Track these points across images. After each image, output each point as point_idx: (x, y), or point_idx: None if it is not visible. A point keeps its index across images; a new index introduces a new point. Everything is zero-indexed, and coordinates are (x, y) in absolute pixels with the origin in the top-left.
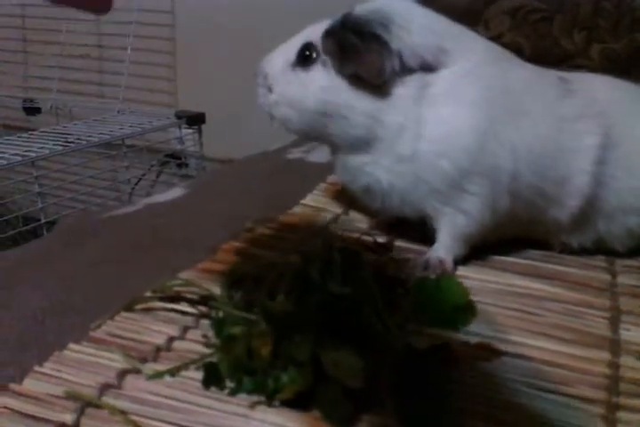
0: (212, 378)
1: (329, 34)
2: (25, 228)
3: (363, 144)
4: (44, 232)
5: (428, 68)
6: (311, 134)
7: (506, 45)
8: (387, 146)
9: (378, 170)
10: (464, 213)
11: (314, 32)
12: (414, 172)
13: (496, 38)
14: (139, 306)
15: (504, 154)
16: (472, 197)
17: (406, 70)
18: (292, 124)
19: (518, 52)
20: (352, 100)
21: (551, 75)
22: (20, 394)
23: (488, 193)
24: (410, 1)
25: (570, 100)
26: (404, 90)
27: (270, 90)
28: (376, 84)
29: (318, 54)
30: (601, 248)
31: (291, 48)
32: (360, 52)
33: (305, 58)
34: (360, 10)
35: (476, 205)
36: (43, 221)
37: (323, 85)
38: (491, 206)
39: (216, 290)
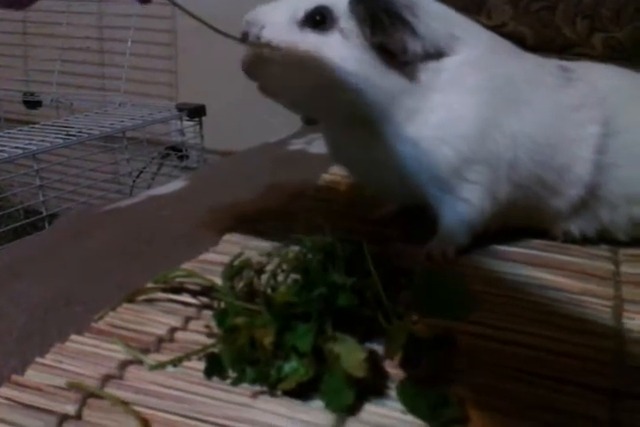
0: (215, 368)
1: (360, 0)
2: (26, 221)
3: (370, 122)
4: (46, 225)
5: (441, 54)
6: (304, 103)
7: (508, 34)
8: (396, 127)
9: (380, 150)
10: (464, 201)
11: None
12: (416, 155)
13: (499, 27)
14: (141, 297)
15: (504, 142)
16: (472, 186)
17: (426, 55)
18: (285, 87)
19: (521, 41)
20: (371, 74)
21: (552, 64)
22: (21, 385)
23: (488, 181)
24: None
25: (571, 88)
26: (421, 74)
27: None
28: (401, 61)
29: (335, 21)
30: (604, 237)
31: (298, 6)
32: (388, 29)
33: (316, 22)
34: None
35: (476, 193)
36: (44, 214)
37: (341, 54)
38: (491, 195)
39: (218, 281)
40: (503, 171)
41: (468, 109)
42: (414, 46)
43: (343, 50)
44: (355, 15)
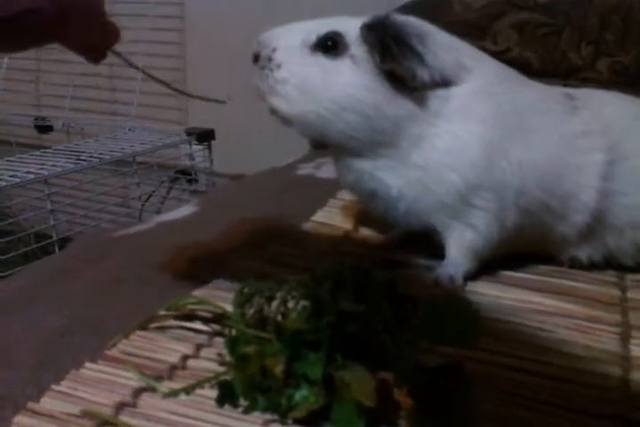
0: (227, 396)
1: (372, 28)
2: (37, 245)
3: (377, 148)
4: (56, 249)
5: (449, 82)
6: (316, 129)
7: (514, 60)
8: (402, 153)
9: (389, 176)
10: (472, 227)
11: (341, 23)
12: (424, 181)
13: (504, 53)
14: (153, 324)
15: (511, 170)
16: (479, 212)
17: (434, 84)
18: (295, 111)
19: (526, 66)
20: (380, 101)
21: (557, 92)
22: (37, 413)
23: (495, 208)
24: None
25: (576, 116)
26: (430, 102)
27: (278, 66)
28: (410, 87)
29: (346, 47)
30: (611, 263)
31: (310, 30)
32: (397, 57)
33: (327, 47)
34: (395, 18)
35: (484, 219)
36: (55, 238)
37: (351, 80)
38: (498, 222)
39: (229, 308)
40: (510, 197)
41: (476, 137)
42: (422, 74)
43: (353, 76)
44: (365, 42)
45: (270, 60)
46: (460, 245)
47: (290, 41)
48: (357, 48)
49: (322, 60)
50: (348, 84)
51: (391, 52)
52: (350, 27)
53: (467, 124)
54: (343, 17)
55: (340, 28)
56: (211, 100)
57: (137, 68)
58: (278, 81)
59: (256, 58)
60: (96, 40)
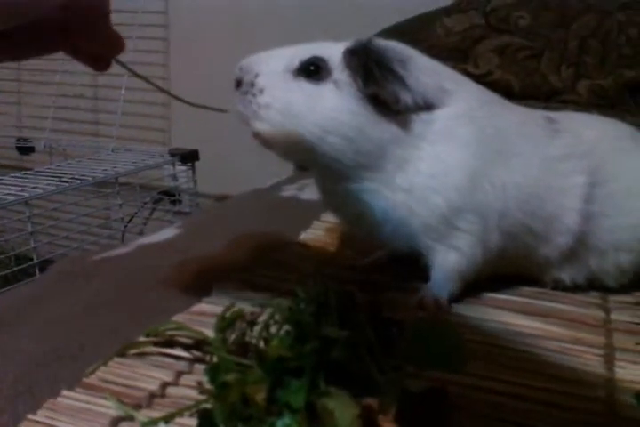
0: (207, 425)
1: (354, 53)
2: (17, 268)
3: (362, 171)
4: (37, 272)
5: (431, 106)
6: (300, 153)
7: (495, 82)
8: (387, 176)
9: (374, 198)
10: (456, 249)
11: (324, 48)
12: (409, 204)
13: (485, 76)
14: (132, 351)
15: (494, 193)
16: (463, 235)
17: (416, 107)
18: (279, 135)
19: (507, 88)
20: (364, 124)
21: (538, 115)
22: None
23: (478, 230)
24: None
25: (557, 140)
26: (413, 125)
27: (261, 91)
28: (394, 110)
29: (329, 72)
30: (594, 284)
31: (293, 55)
32: (380, 80)
33: (310, 72)
34: (377, 43)
35: (467, 242)
36: (35, 260)
37: (335, 105)
38: (481, 244)
39: (210, 333)
40: (493, 220)
41: (459, 160)
42: (405, 97)
43: (336, 100)
44: (348, 67)
45: (253, 85)
46: (445, 267)
47: (272, 66)
48: (340, 73)
49: (305, 85)
50: (332, 109)
51: (374, 76)
52: (333, 52)
53: (450, 148)
54: (326, 42)
55: (322, 54)
56: (213, 109)
57: (141, 77)
58: (261, 106)
59: (238, 83)
60: (101, 49)
